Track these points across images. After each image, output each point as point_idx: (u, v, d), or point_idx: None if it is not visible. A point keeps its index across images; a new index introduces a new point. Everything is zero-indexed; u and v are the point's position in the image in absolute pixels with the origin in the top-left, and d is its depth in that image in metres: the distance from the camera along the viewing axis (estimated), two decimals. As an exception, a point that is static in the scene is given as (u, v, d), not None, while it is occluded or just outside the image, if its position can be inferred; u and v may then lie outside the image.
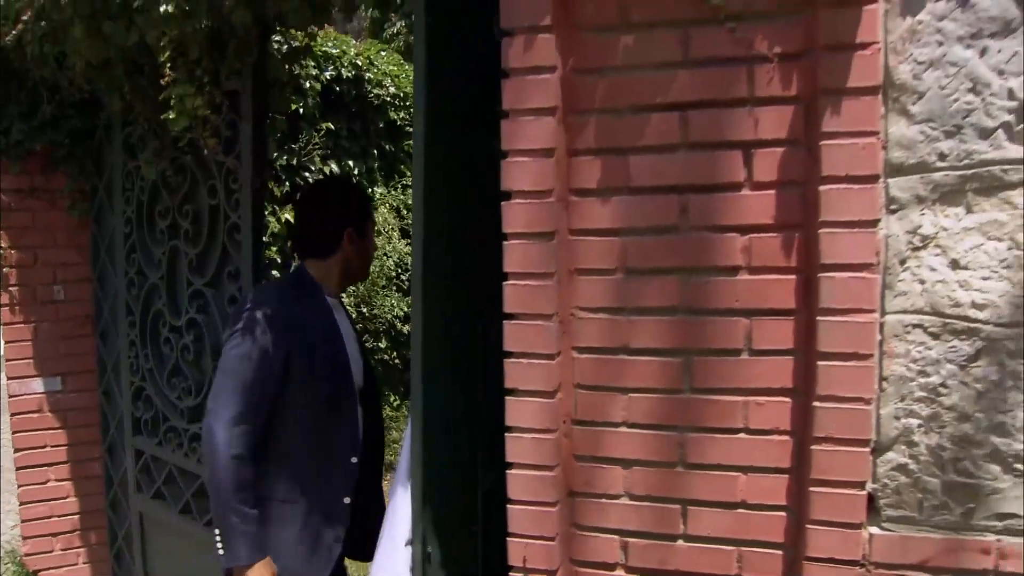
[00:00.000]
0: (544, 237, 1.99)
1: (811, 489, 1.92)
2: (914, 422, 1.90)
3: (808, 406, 1.91)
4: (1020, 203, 1.81)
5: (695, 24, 1.92)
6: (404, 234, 6.16)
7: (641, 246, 1.99)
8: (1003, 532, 1.88)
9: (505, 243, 2.02)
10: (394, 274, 6.04)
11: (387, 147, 5.96)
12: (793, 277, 1.91)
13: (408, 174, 5.99)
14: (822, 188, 1.84)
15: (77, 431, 3.50)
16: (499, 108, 2.01)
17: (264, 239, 3.85)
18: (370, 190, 5.82)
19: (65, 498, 3.49)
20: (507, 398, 2.08)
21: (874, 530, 1.94)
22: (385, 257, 6.04)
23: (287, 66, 3.18)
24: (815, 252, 1.87)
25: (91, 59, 2.81)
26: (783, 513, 1.98)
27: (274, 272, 4.92)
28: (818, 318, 1.87)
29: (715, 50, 1.91)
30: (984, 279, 1.84)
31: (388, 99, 5.89)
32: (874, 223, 1.84)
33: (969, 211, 1.83)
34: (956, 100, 1.81)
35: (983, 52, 1.80)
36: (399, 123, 6.02)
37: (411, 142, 6.07)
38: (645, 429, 2.05)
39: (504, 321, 2.05)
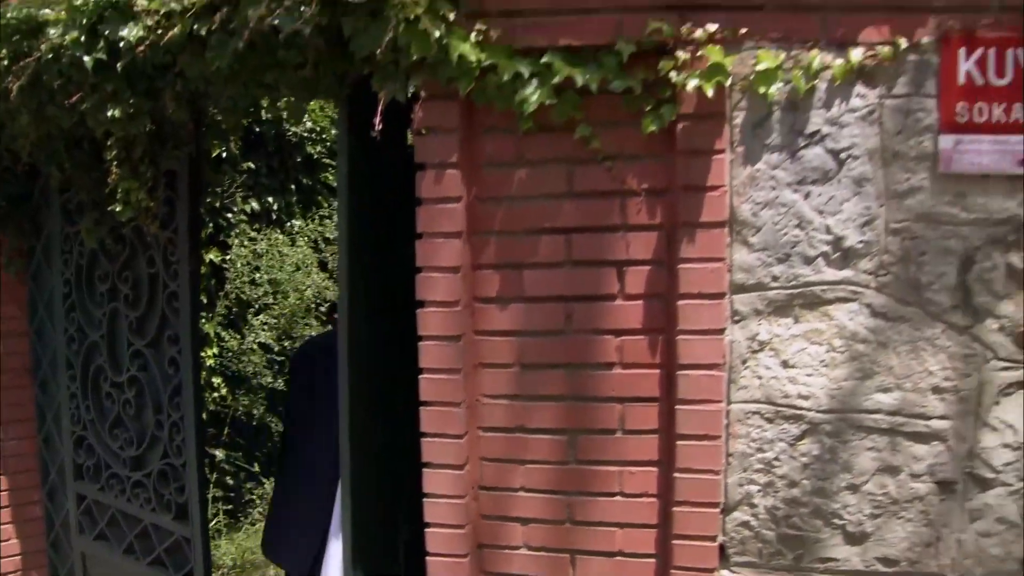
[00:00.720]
0: (453, 339, 2.44)
1: (674, 541, 2.43)
2: (754, 488, 2.42)
3: (670, 475, 2.42)
4: (835, 315, 2.34)
5: (578, 163, 2.39)
6: (323, 266, 6.56)
7: (534, 345, 2.46)
8: (824, 572, 2.43)
9: (420, 343, 2.47)
10: (313, 305, 6.44)
11: (304, 181, 6.29)
12: (657, 372, 2.42)
13: (325, 206, 6.35)
14: (680, 303, 2.34)
15: (17, 476, 3.80)
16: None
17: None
18: (289, 224, 6.18)
19: (7, 540, 3.79)
20: (424, 470, 2.54)
21: (725, 573, 2.47)
22: (305, 288, 6.43)
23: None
24: (674, 353, 2.37)
25: (33, 138, 3.13)
26: (653, 560, 2.49)
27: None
28: (677, 406, 2.38)
29: (595, 185, 2.39)
30: (808, 375, 2.36)
31: (305, 134, 6.22)
32: (721, 331, 2.35)
33: (796, 321, 2.35)
34: (786, 234, 2.33)
35: (807, 196, 2.32)
36: (316, 156, 6.35)
37: (327, 174, 6.46)
38: (540, 493, 2.53)
39: (421, 407, 2.51)
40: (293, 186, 6.17)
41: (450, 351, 2.44)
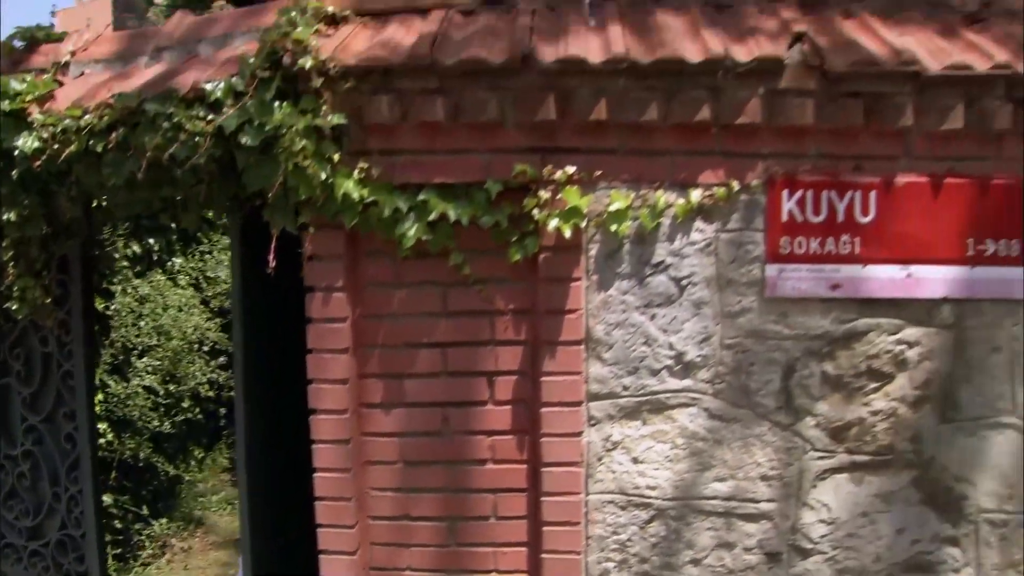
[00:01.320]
0: (343, 443, 2.77)
1: (543, 613, 2.85)
2: (611, 565, 2.85)
3: (538, 556, 2.81)
4: (678, 418, 2.77)
5: (452, 285, 2.74)
6: (205, 303, 6.74)
7: (416, 445, 2.81)
8: (673, 635, 2.89)
9: (313, 447, 2.79)
10: (195, 340, 6.63)
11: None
12: (525, 467, 2.80)
13: (205, 241, 6.51)
14: (543, 410, 2.72)
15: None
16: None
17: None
18: (170, 263, 6.32)
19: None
20: (320, 556, 2.88)
21: (587, 638, 2.90)
22: (189, 330, 6.62)
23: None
24: (539, 452, 2.76)
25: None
26: (525, 627, 2.91)
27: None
28: (542, 497, 2.77)
29: (467, 305, 2.74)
30: (655, 469, 2.79)
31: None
32: (579, 434, 2.75)
33: (644, 424, 2.77)
34: (635, 350, 2.74)
35: (653, 317, 2.73)
36: (195, 193, 6.48)
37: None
38: (424, 573, 2.90)
39: (316, 502, 2.84)
40: (173, 223, 6.27)
41: (341, 453, 2.77)
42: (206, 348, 6.81)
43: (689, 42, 2.61)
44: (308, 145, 2.54)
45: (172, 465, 6.43)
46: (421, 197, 2.63)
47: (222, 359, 7.13)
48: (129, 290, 6.09)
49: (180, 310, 6.53)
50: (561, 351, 2.70)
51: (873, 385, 2.78)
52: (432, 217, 2.62)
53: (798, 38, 2.66)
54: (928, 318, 2.76)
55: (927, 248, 2.72)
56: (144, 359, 6.21)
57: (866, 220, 2.70)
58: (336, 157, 2.60)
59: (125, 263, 5.54)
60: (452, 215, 2.62)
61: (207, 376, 6.80)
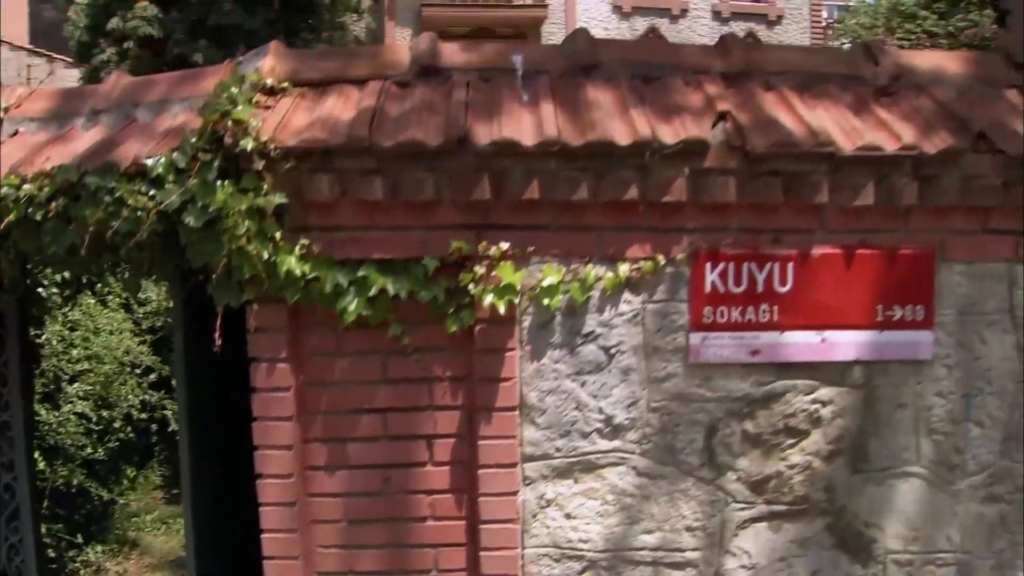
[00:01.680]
0: (289, 505, 2.92)
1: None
2: (545, 612, 3.07)
3: (477, 606, 3.02)
4: (608, 476, 2.97)
5: (391, 354, 2.89)
6: (137, 324, 6.74)
7: (358, 504, 2.97)
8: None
9: (261, 509, 2.94)
10: (127, 361, 6.67)
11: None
12: (464, 523, 2.98)
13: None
14: (480, 471, 2.90)
15: None
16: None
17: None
18: (99, 285, 6.31)
19: None
20: (267, 609, 3.04)
21: None
22: (121, 353, 6.64)
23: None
24: (477, 510, 2.94)
25: None
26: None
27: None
28: (480, 552, 2.96)
29: (406, 373, 2.90)
30: (587, 524, 3.00)
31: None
32: (514, 493, 2.93)
33: (576, 482, 2.97)
34: (567, 414, 2.93)
35: (583, 384, 2.92)
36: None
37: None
38: (366, 623, 3.09)
39: (264, 561, 2.99)
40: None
41: (287, 514, 2.92)
42: (139, 370, 6.86)
43: (618, 122, 2.78)
44: (251, 226, 2.66)
45: (106, 489, 6.48)
46: (361, 273, 2.77)
47: (153, 376, 7.18)
48: (59, 317, 6.09)
49: (111, 333, 6.55)
50: (496, 417, 2.87)
51: (790, 441, 3.02)
52: (372, 293, 2.76)
53: (722, 116, 2.85)
54: (841, 379, 3.00)
55: (840, 314, 2.95)
56: (76, 384, 6.24)
57: (784, 290, 2.92)
58: (278, 235, 2.72)
59: (55, 290, 5.53)
60: (391, 289, 2.77)
61: (140, 398, 6.87)
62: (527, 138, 2.69)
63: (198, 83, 3.10)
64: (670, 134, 2.74)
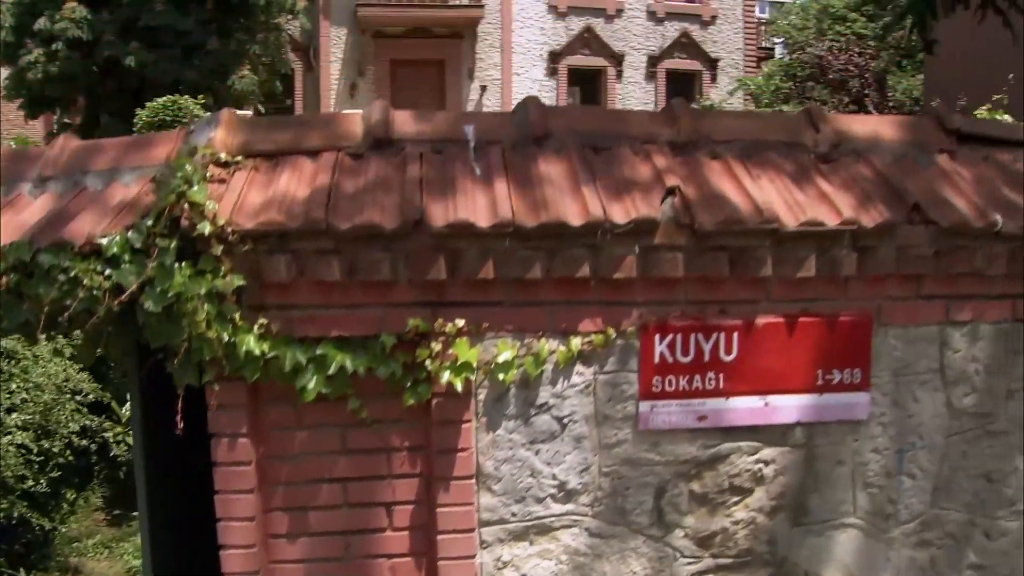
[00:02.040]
0: (252, 574, 2.95)
1: None
2: (501, 670, 3.15)
3: (434, 666, 3.09)
4: (562, 538, 3.06)
5: (350, 426, 2.93)
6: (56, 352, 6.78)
7: (320, 569, 3.01)
8: None
9: (222, 577, 2.97)
10: (67, 388, 6.59)
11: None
12: (423, 587, 3.06)
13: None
14: (438, 537, 2.97)
15: None
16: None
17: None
18: None
19: None
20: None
21: None
22: (62, 381, 6.57)
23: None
24: (436, 573, 3.01)
25: None
26: None
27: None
28: (439, 614, 3.04)
29: (365, 444, 2.95)
30: (541, 584, 3.09)
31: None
32: (472, 556, 3.00)
33: (531, 544, 3.05)
34: (521, 481, 3.00)
35: (537, 452, 3.00)
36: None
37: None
38: None
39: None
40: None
41: (247, 583, 2.96)
42: (79, 397, 6.78)
43: (571, 200, 2.85)
44: (211, 309, 2.67)
45: (47, 518, 6.40)
46: (320, 351, 2.80)
47: (91, 397, 7.10)
48: (-4, 346, 6.01)
49: (51, 360, 6.46)
50: (454, 485, 2.94)
51: (735, 499, 3.14)
52: (332, 371, 2.80)
53: (671, 192, 2.94)
54: (783, 439, 3.13)
55: (782, 380, 3.08)
56: (15, 415, 6.14)
57: (729, 358, 3.03)
58: (237, 316, 2.74)
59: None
60: (350, 366, 2.81)
61: (80, 424, 6.79)
62: (482, 219, 2.75)
63: (149, 151, 3.09)
64: (621, 213, 2.83)
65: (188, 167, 2.76)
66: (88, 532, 7.99)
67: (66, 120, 19.11)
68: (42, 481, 6.28)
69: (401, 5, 23.15)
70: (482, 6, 23.67)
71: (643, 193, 2.93)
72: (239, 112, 3.20)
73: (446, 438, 2.91)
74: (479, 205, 2.81)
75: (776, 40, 29.48)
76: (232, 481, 2.89)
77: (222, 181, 2.88)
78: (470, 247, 2.79)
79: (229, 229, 2.68)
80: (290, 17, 19.85)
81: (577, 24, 25.21)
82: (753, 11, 26.43)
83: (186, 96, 16.34)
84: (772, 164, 3.18)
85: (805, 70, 23.86)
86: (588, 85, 26.08)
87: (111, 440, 7.80)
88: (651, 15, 25.84)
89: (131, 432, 8.50)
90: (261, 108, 20.69)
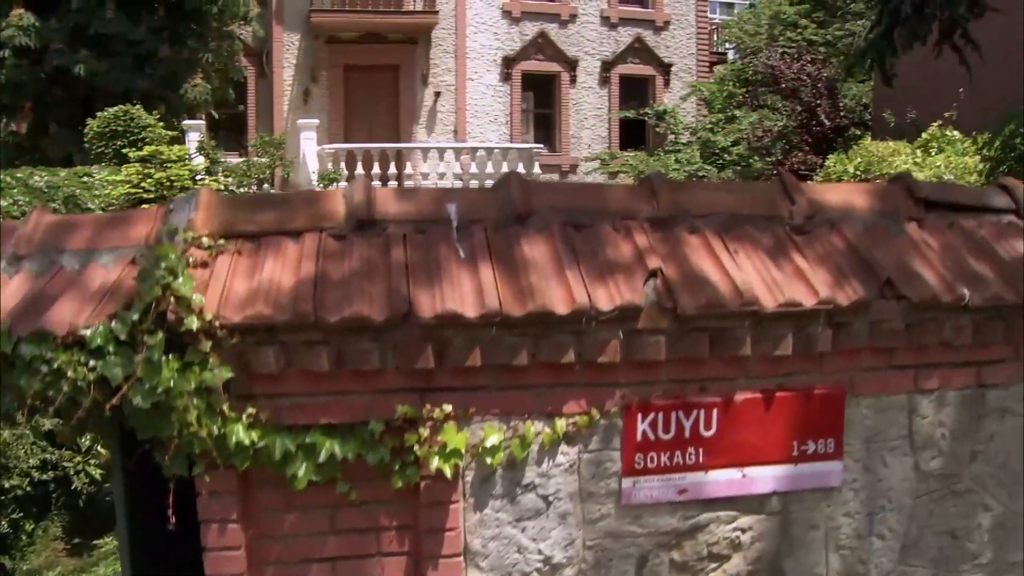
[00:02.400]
0: (236, 655, 2.96)
1: None
2: None
3: None
4: (546, 611, 3.11)
5: (340, 507, 2.95)
6: None
7: (306, 650, 3.04)
8: None
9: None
10: (29, 426, 6.49)
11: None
12: (410, 664, 3.09)
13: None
14: (428, 615, 3.00)
15: None
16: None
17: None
18: None
19: None
20: None
21: None
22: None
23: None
24: (423, 653, 3.04)
25: None
26: None
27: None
28: None
29: (354, 524, 2.96)
30: (526, 657, 3.13)
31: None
32: (459, 634, 3.05)
33: (517, 619, 3.10)
34: (508, 558, 3.04)
35: (524, 529, 3.04)
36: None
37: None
38: None
39: None
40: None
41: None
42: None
43: (556, 285, 2.89)
44: (200, 404, 2.67)
45: (7, 556, 6.31)
46: (309, 439, 2.81)
47: (48, 426, 6.99)
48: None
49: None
50: (442, 563, 2.96)
51: (713, 565, 3.21)
52: (321, 458, 2.81)
53: (653, 274, 3.00)
54: (760, 508, 3.21)
55: (760, 452, 3.15)
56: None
57: (709, 433, 3.10)
58: (226, 408, 2.74)
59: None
60: (339, 453, 2.83)
61: (40, 457, 6.69)
62: (470, 310, 2.78)
63: (127, 230, 3.06)
64: (606, 300, 2.87)
65: (172, 256, 2.75)
66: (48, 564, 7.87)
67: (13, 128, 18.75)
68: (3, 522, 6.18)
69: (355, 11, 23.04)
70: (436, 12, 23.64)
71: (626, 276, 2.98)
72: (215, 193, 3.18)
73: (434, 518, 2.94)
74: (466, 293, 2.83)
75: (728, 45, 29.85)
76: (222, 565, 2.89)
77: (204, 265, 2.87)
78: (458, 336, 2.82)
79: (217, 323, 2.68)
80: (243, 23, 19.65)
81: (531, 29, 25.29)
82: (706, 16, 26.68)
83: (138, 106, 16.15)
84: (749, 238, 3.25)
85: (758, 76, 24.25)
86: (542, 90, 26.21)
87: (71, 471, 7.69)
88: (605, 20, 26.01)
89: (95, 467, 8.44)
90: (214, 114, 20.51)
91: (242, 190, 13.39)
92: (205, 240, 2.91)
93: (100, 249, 3.04)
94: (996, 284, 3.28)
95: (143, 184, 11.78)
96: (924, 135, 13.22)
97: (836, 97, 19.91)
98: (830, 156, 14.79)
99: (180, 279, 2.69)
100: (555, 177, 24.66)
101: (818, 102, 19.52)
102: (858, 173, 13.29)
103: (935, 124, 12.93)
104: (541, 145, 21.86)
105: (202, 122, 18.80)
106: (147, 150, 12.10)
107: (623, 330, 2.92)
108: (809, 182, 3.59)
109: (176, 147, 12.58)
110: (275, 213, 3.08)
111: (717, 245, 3.18)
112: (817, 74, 19.89)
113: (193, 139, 17.57)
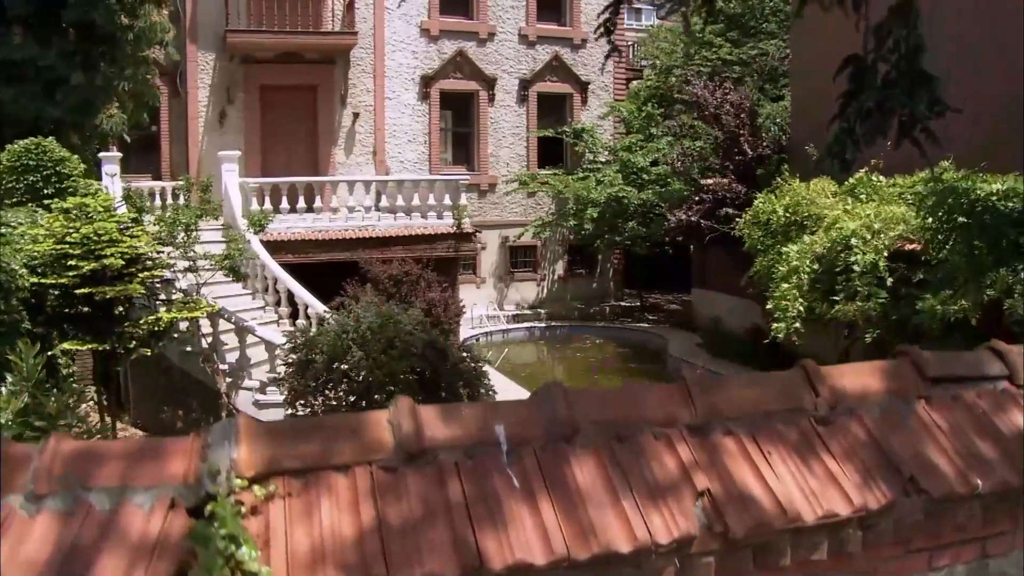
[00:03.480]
0: None
1: None
2: None
3: None
4: None
5: None
6: None
7: None
8: None
9: None
10: None
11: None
12: None
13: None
14: None
15: None
16: None
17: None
18: None
19: None
20: None
21: None
22: None
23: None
24: None
25: None
26: None
27: None
28: None
29: None
30: None
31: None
32: None
33: None
34: None
35: None
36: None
37: None
38: None
39: None
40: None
41: None
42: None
43: (614, 518, 2.91)
44: None
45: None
46: None
47: None
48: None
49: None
50: None
51: None
52: None
53: (701, 494, 3.05)
54: None
55: (797, 654, 3.25)
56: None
57: (752, 641, 3.17)
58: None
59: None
60: None
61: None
62: (538, 557, 2.77)
63: (162, 466, 2.91)
64: (663, 532, 2.91)
65: (228, 517, 2.66)
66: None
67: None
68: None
69: (272, 32, 22.55)
70: (355, 33, 23.34)
71: (676, 498, 3.02)
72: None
73: None
74: (530, 536, 2.83)
75: (644, 63, 30.30)
76: None
77: (255, 511, 2.79)
78: (524, 581, 2.81)
79: (284, 597, 2.61)
80: (158, 48, 19.04)
81: (449, 48, 25.21)
82: (623, 35, 27.00)
83: (50, 137, 15.53)
84: (780, 437, 3.33)
85: (677, 98, 24.73)
86: (460, 109, 26.20)
87: None
88: (523, 38, 26.10)
89: None
90: (126, 138, 19.84)
91: (181, 237, 12.98)
92: (256, 489, 2.82)
93: (133, 487, 2.90)
94: (1001, 467, 3.46)
95: (68, 238, 11.34)
96: (851, 180, 13.68)
97: (757, 126, 20.44)
98: (758, 195, 15.16)
99: (244, 548, 2.61)
100: (474, 197, 24.63)
101: (741, 131, 19.99)
102: (788, 215, 13.69)
103: (863, 170, 13.39)
104: (466, 176, 21.76)
105: (118, 154, 18.17)
106: (71, 201, 11.61)
107: (678, 557, 2.96)
108: (828, 367, 3.68)
109: (102, 196, 12.12)
110: (319, 445, 3.00)
111: (752, 449, 3.25)
112: (740, 104, 20.36)
113: (109, 171, 16.97)
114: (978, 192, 10.29)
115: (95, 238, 11.32)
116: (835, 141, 6.76)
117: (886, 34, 6.44)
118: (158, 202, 20.99)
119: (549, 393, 3.25)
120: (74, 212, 11.68)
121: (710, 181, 21.91)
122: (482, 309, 24.02)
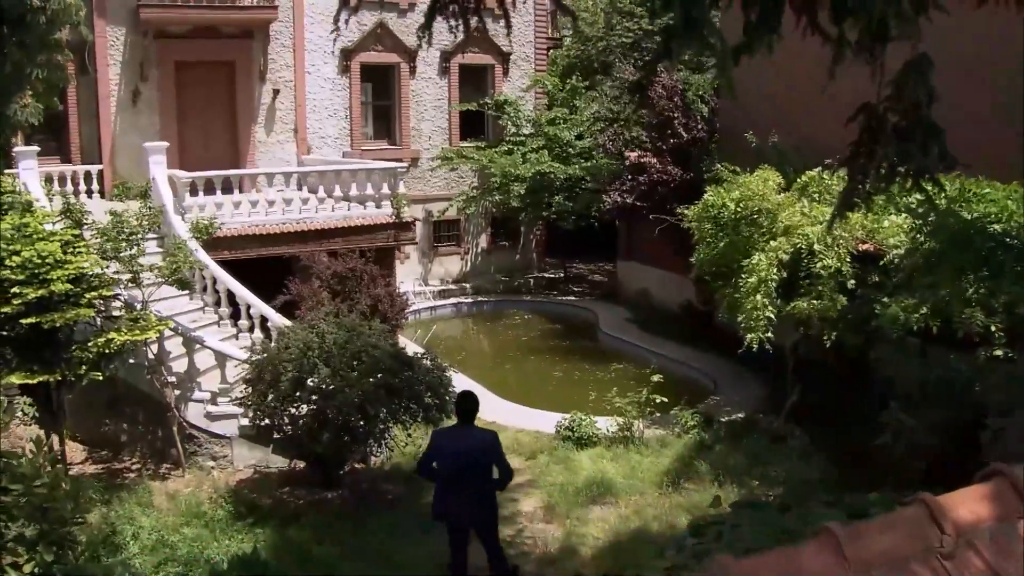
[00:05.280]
0: None
1: None
2: None
3: None
4: None
5: None
6: None
7: None
8: None
9: None
10: None
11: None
12: None
13: None
14: None
15: None
16: None
17: None
18: None
19: None
20: None
21: None
22: None
23: None
24: None
25: None
26: None
27: None
28: None
29: None
30: None
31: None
32: None
33: None
34: None
35: None
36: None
37: None
38: None
39: None
40: None
41: None
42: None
43: None
44: None
45: None
46: None
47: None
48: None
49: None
50: None
51: None
52: None
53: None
54: None
55: None
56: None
57: None
58: None
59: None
60: None
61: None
62: None
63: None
64: None
65: None
66: None
67: None
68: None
69: (188, 6, 21.53)
70: (275, 7, 22.50)
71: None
72: None
73: None
74: None
75: (565, 32, 30.09)
76: None
77: None
78: None
79: None
80: (70, 28, 17.91)
81: (370, 19, 24.57)
82: (544, 4, 26.75)
83: (-41, 134, 14.59)
84: (920, 583, 3.45)
85: (595, 66, 24.69)
86: (381, 82, 25.67)
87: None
88: (443, 9, 25.57)
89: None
90: (34, 122, 18.73)
91: (129, 251, 12.32)
92: None
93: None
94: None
95: (8, 261, 10.72)
96: (803, 178, 13.96)
97: (690, 109, 20.58)
98: (708, 188, 15.31)
99: None
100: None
101: (674, 114, 20.11)
102: (739, 209, 13.92)
103: (815, 169, 13.66)
104: (404, 165, 21.31)
105: (35, 148, 17.16)
106: (8, 221, 10.93)
107: None
108: (943, 500, 3.80)
109: (43, 215, 11.47)
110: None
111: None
112: (673, 87, 20.45)
113: (27, 167, 16.04)
114: (971, 215, 10.77)
115: (38, 261, 10.73)
116: (845, 197, 6.91)
117: (903, 86, 6.57)
118: (69, 187, 19.99)
119: (720, 565, 3.28)
120: (10, 233, 11.03)
121: (635, 154, 22.07)
122: (409, 285, 23.71)
